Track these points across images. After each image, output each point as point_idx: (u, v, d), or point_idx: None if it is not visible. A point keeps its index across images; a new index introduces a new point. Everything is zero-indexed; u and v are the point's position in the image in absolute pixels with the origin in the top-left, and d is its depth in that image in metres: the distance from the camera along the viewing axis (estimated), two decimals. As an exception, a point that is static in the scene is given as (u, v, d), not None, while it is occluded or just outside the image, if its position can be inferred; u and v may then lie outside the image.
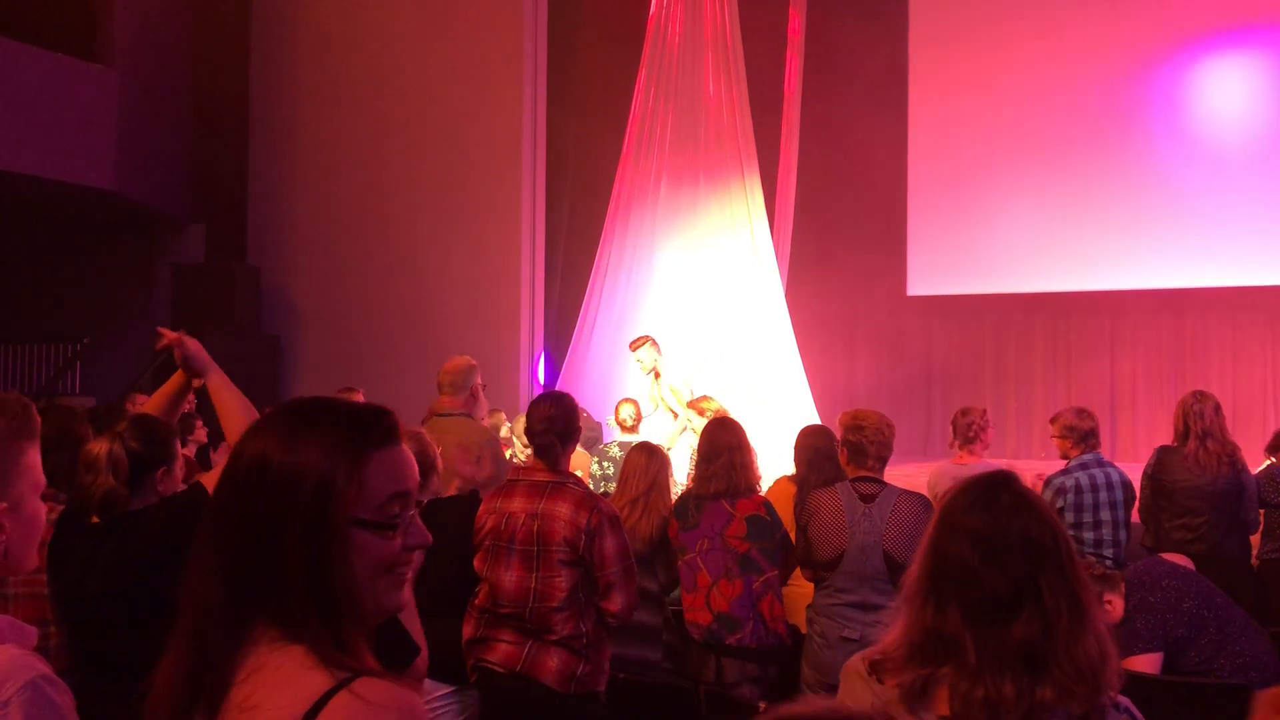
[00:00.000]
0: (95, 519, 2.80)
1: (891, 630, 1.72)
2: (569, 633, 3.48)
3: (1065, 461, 5.20)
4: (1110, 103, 10.91)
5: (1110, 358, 11.38)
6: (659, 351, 7.82)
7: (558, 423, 3.59)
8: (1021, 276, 11.27)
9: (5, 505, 1.62)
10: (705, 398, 7.29)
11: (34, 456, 1.69)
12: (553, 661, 3.48)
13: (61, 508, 3.08)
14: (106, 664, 2.70)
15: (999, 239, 11.28)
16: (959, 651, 1.61)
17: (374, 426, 1.35)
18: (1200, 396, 5.36)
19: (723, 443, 4.37)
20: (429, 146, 10.72)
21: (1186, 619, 4.02)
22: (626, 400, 7.60)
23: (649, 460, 4.53)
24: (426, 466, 3.76)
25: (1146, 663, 3.99)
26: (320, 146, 11.25)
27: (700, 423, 6.88)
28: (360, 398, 7.95)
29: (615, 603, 3.50)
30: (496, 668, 3.54)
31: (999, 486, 1.73)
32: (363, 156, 11.02)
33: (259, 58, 11.64)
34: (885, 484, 4.02)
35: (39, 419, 1.66)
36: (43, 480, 1.69)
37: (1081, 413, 5.30)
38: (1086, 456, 5.15)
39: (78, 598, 2.75)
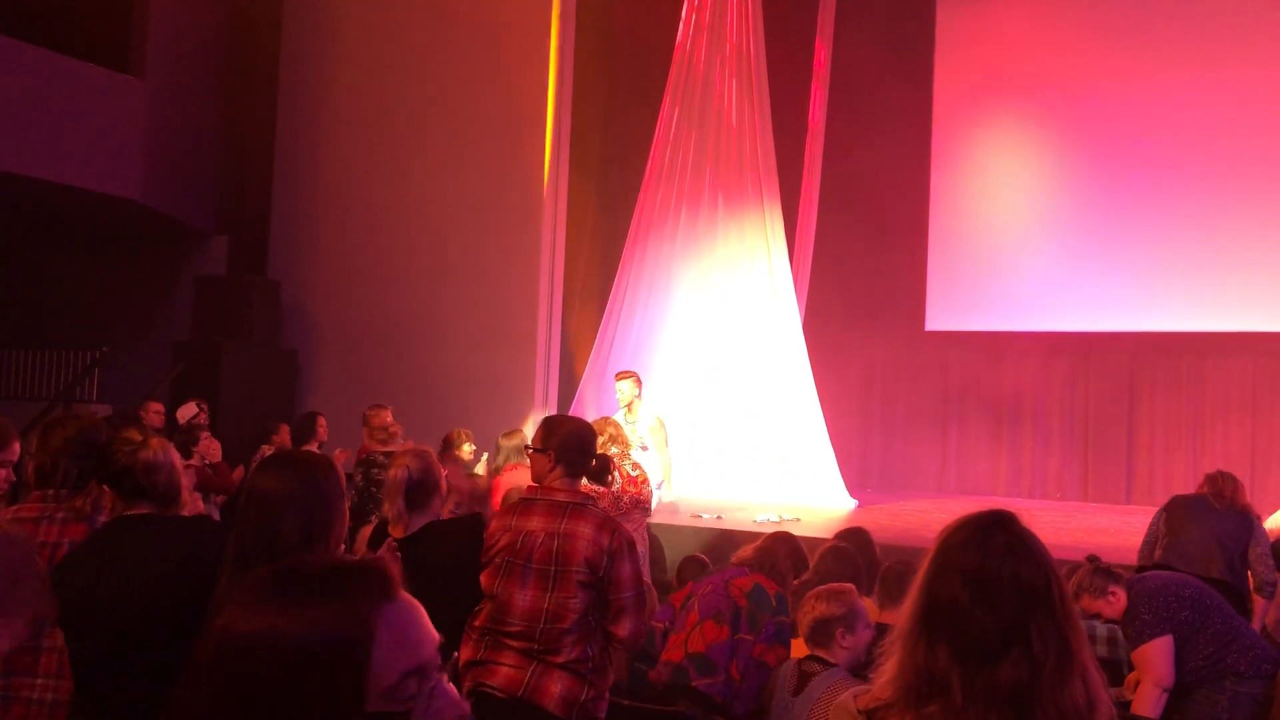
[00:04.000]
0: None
1: (883, 671, 1.70)
2: (576, 656, 3.44)
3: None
4: (1134, 144, 10.88)
5: (1129, 400, 11.29)
6: (639, 390, 7.78)
7: (586, 444, 3.62)
8: (1041, 315, 11.21)
9: None
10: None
11: None
12: (556, 687, 3.42)
13: (62, 509, 3.14)
14: (140, 673, 2.69)
15: (1020, 277, 11.24)
16: (946, 691, 1.58)
17: (368, 586, 1.13)
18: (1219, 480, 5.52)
19: (779, 552, 4.41)
20: (452, 167, 10.77)
21: (1190, 604, 4.13)
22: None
23: None
24: (431, 487, 3.78)
25: (1159, 649, 4.06)
26: (344, 164, 11.33)
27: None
28: (389, 415, 7.98)
29: (624, 628, 3.47)
30: (496, 692, 3.46)
31: (995, 526, 1.70)
32: (386, 175, 11.08)
33: (288, 75, 11.75)
34: (834, 666, 3.61)
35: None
36: None
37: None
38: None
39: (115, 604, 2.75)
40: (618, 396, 7.85)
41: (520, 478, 6.47)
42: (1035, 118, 11.29)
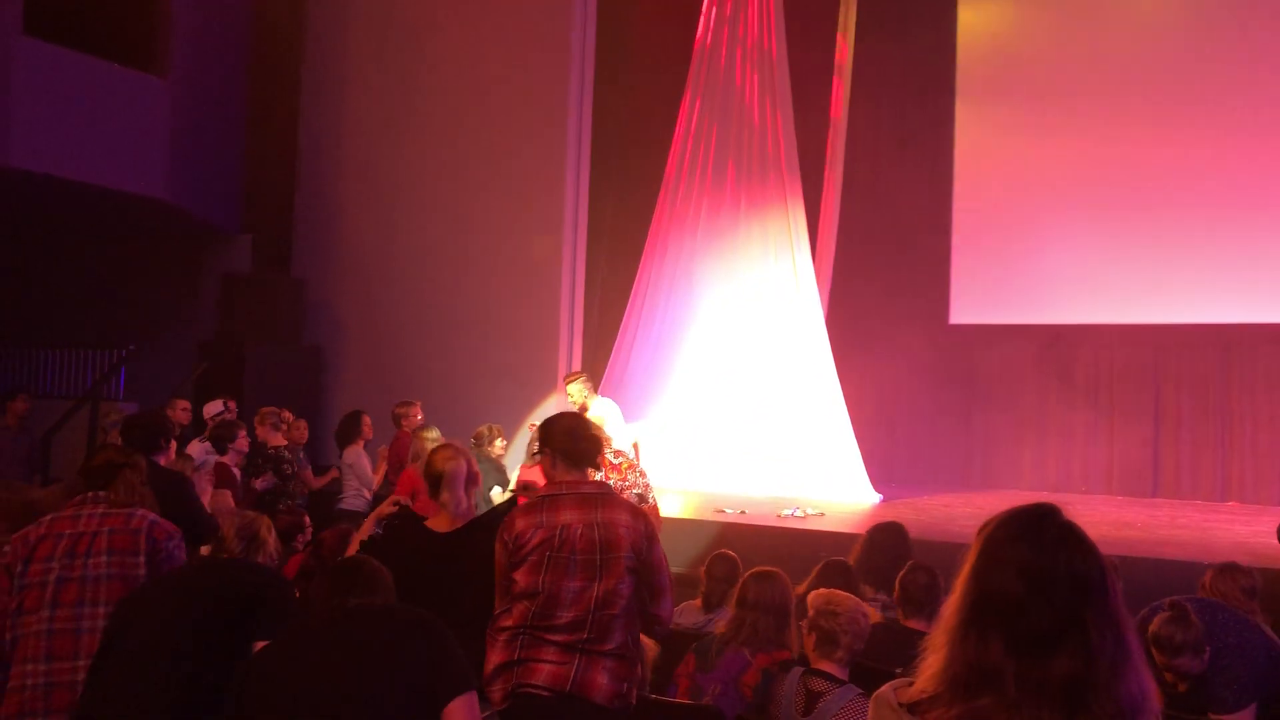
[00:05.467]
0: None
1: (926, 664, 1.69)
2: (621, 642, 3.44)
3: None
4: (1158, 134, 10.79)
5: (1155, 393, 11.20)
6: (589, 389, 7.74)
7: (574, 432, 3.70)
8: (1065, 307, 11.13)
9: None
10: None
11: None
12: (603, 678, 3.41)
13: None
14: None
15: (1043, 269, 11.16)
16: (999, 683, 1.58)
17: None
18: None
19: (767, 599, 4.04)
20: (473, 163, 10.80)
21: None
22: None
23: None
24: (470, 479, 3.99)
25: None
26: (366, 162, 11.37)
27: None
28: (418, 411, 8.02)
29: (665, 609, 3.55)
30: (541, 691, 3.40)
31: (1044, 518, 1.70)
32: (408, 172, 11.12)
33: (310, 73, 11.80)
34: (843, 683, 3.54)
35: None
36: None
37: None
38: None
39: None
40: (569, 400, 7.79)
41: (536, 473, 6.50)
42: (1060, 106, 11.19)
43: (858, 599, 3.75)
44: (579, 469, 3.63)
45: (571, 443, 3.62)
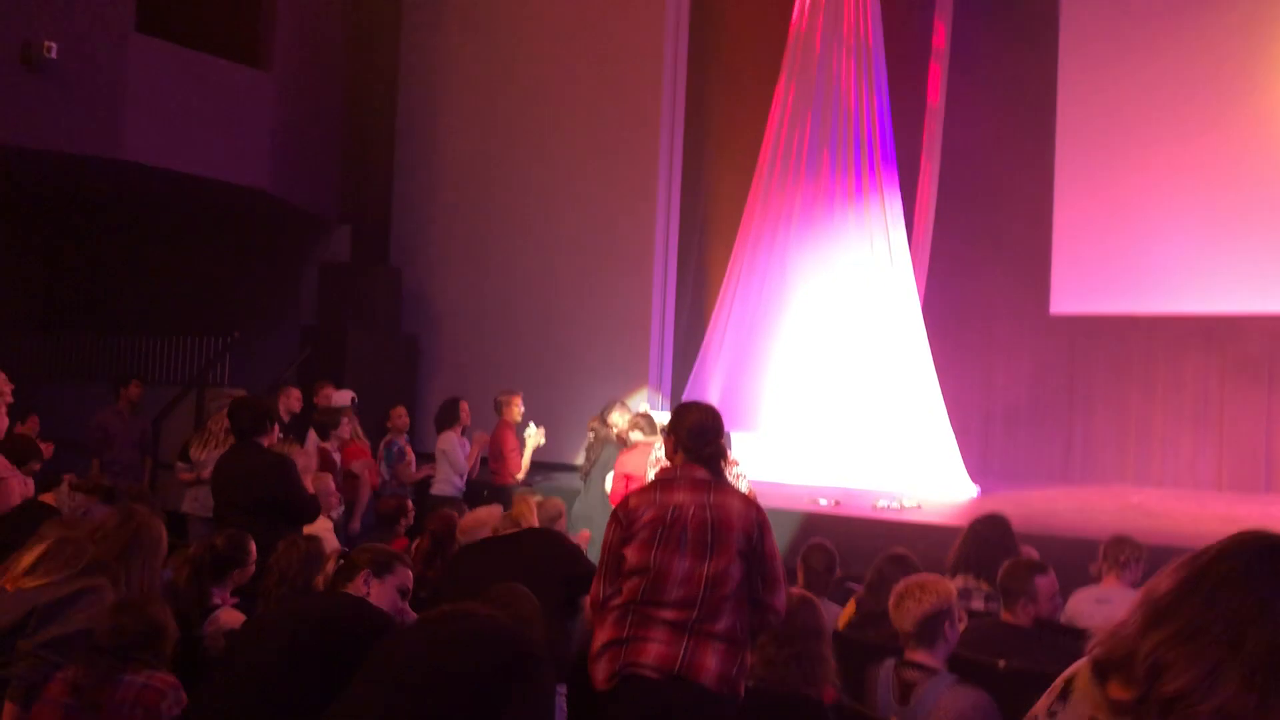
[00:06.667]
0: None
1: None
2: (731, 624, 3.42)
3: None
4: (1276, 111, 10.37)
5: (1268, 385, 10.78)
6: (642, 427, 7.39)
7: (704, 432, 3.68)
8: (1174, 297, 10.76)
9: None
10: None
11: None
12: (712, 661, 3.38)
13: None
14: None
15: (1150, 257, 10.81)
16: None
17: None
18: None
19: (800, 626, 3.75)
20: (570, 155, 10.86)
21: None
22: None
23: None
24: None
25: None
26: (463, 153, 11.51)
27: None
28: (519, 401, 8.11)
29: (780, 598, 3.50)
30: (648, 672, 3.39)
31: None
32: (502, 163, 11.22)
33: (408, 66, 11.98)
34: (937, 671, 3.43)
35: None
36: None
37: None
38: None
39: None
40: (613, 427, 7.45)
41: (630, 461, 6.52)
42: (1168, 88, 10.81)
43: (948, 585, 3.64)
44: (698, 464, 3.66)
45: (696, 443, 3.65)
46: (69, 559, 3.56)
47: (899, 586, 3.59)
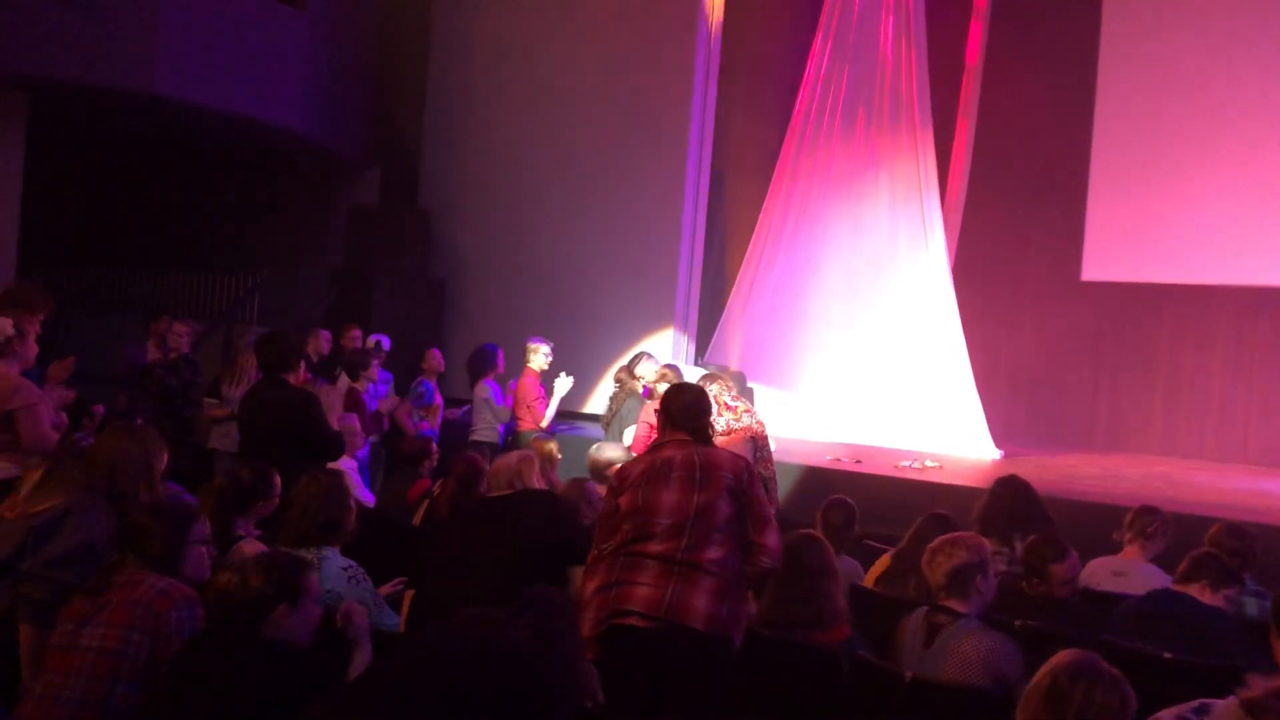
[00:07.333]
0: None
1: None
2: (721, 557, 3.47)
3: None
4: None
5: (1298, 359, 10.66)
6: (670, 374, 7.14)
7: (707, 410, 3.88)
8: (1207, 267, 10.62)
9: None
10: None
11: None
12: (700, 600, 3.42)
13: None
14: None
15: (1186, 225, 10.65)
16: None
17: None
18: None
19: (807, 565, 3.81)
20: (600, 100, 10.77)
21: None
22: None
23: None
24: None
25: None
26: (492, 98, 11.43)
27: None
28: (548, 350, 8.12)
29: (769, 538, 3.57)
30: (635, 620, 3.44)
31: None
32: (533, 108, 11.14)
33: (440, 9, 11.89)
34: (961, 615, 3.47)
35: None
36: None
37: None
38: None
39: None
40: (640, 380, 7.50)
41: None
42: (1209, 53, 10.59)
43: (982, 541, 3.66)
44: (706, 436, 3.82)
45: (686, 419, 3.77)
46: (64, 482, 3.65)
47: (933, 543, 3.64)
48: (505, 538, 4.08)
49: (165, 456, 3.95)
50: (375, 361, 7.86)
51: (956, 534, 3.70)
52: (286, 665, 2.85)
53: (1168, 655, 3.66)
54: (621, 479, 3.71)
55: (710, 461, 3.61)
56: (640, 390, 7.41)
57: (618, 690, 3.36)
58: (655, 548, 3.50)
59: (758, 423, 6.20)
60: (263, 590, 2.91)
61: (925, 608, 3.59)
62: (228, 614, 2.92)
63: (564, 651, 2.58)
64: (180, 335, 7.96)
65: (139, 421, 4.15)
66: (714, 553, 3.47)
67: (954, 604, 3.50)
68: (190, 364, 7.87)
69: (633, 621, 3.45)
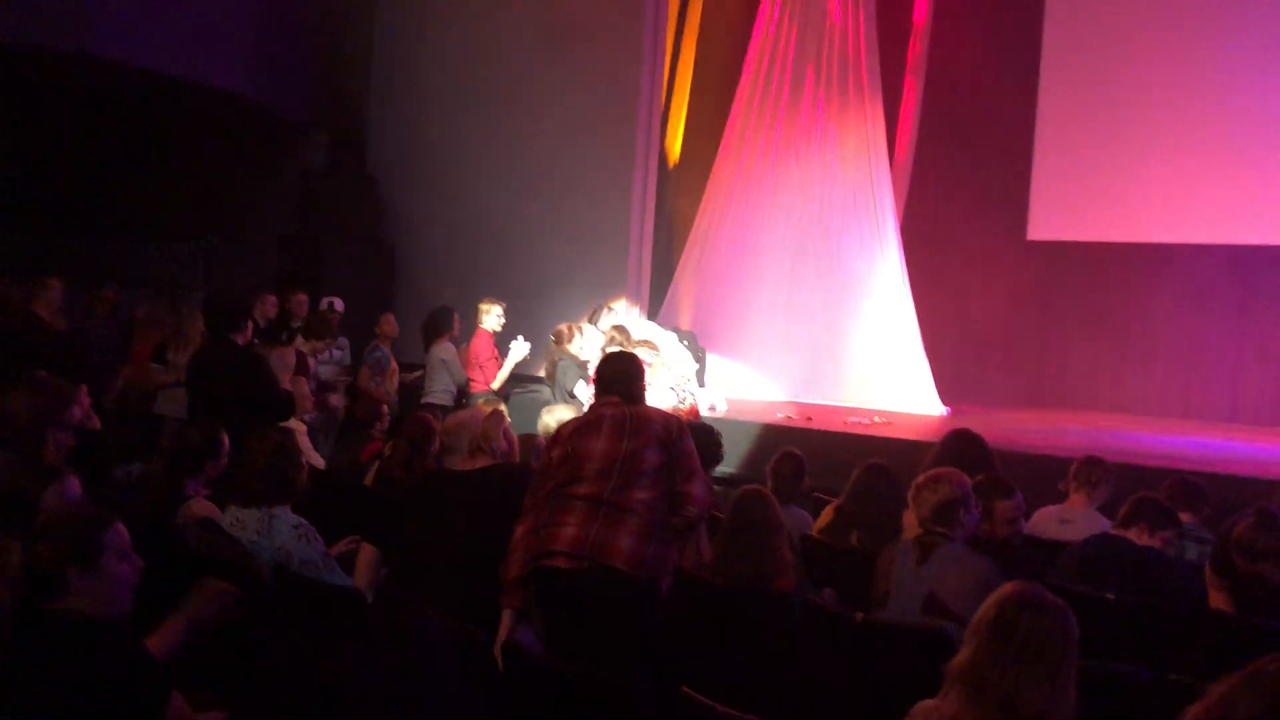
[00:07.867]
0: None
1: None
2: (646, 500, 3.53)
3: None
4: (1263, 44, 10.32)
5: (1236, 318, 10.88)
6: (619, 338, 7.42)
7: (638, 376, 3.98)
8: (1152, 226, 10.81)
9: None
10: None
11: None
12: (625, 540, 3.47)
13: None
14: None
15: (1129, 185, 10.82)
16: None
17: None
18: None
19: (753, 520, 3.82)
20: (549, 62, 10.67)
21: None
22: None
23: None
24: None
25: None
26: (441, 60, 11.30)
27: None
28: (499, 311, 8.05)
29: (696, 488, 3.66)
30: (559, 561, 3.47)
31: None
32: (482, 71, 11.03)
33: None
34: (951, 537, 3.61)
35: None
36: None
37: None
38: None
39: None
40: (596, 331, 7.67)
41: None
42: (1153, 13, 10.73)
43: (963, 477, 3.76)
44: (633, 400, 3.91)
45: (618, 385, 3.87)
46: None
47: (918, 479, 3.75)
48: (490, 510, 3.91)
49: (75, 410, 3.94)
50: (333, 325, 7.80)
51: (941, 470, 3.80)
52: (69, 642, 2.37)
53: (1109, 596, 3.76)
54: (557, 435, 3.81)
55: (641, 415, 3.73)
56: (582, 358, 7.33)
57: (547, 631, 3.47)
58: (583, 489, 3.57)
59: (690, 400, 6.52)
60: (52, 558, 2.48)
61: (913, 535, 3.68)
62: (24, 593, 2.46)
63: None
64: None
65: (42, 375, 4.09)
66: (641, 494, 3.55)
67: (942, 529, 3.63)
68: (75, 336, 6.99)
69: (558, 563, 3.49)
